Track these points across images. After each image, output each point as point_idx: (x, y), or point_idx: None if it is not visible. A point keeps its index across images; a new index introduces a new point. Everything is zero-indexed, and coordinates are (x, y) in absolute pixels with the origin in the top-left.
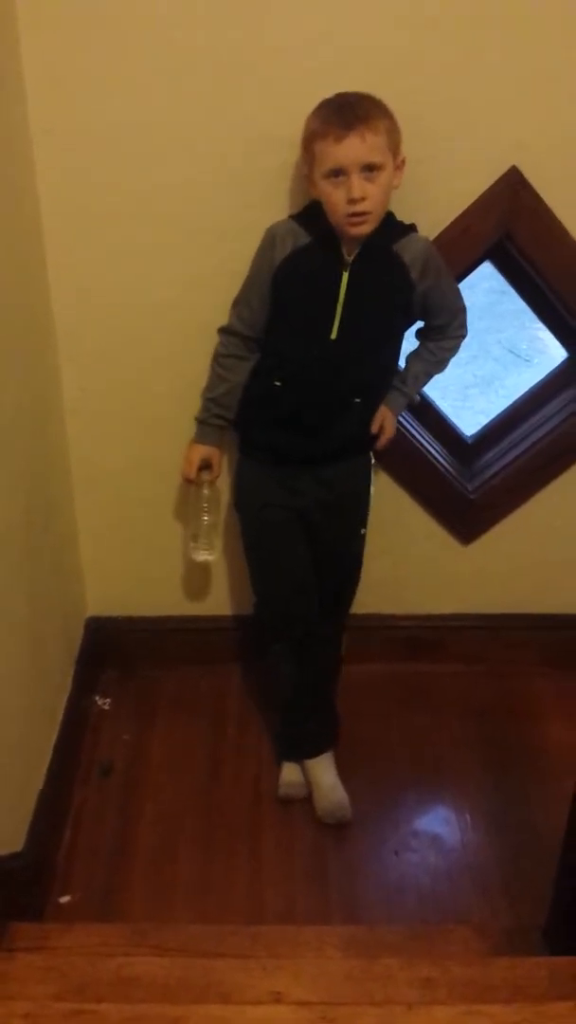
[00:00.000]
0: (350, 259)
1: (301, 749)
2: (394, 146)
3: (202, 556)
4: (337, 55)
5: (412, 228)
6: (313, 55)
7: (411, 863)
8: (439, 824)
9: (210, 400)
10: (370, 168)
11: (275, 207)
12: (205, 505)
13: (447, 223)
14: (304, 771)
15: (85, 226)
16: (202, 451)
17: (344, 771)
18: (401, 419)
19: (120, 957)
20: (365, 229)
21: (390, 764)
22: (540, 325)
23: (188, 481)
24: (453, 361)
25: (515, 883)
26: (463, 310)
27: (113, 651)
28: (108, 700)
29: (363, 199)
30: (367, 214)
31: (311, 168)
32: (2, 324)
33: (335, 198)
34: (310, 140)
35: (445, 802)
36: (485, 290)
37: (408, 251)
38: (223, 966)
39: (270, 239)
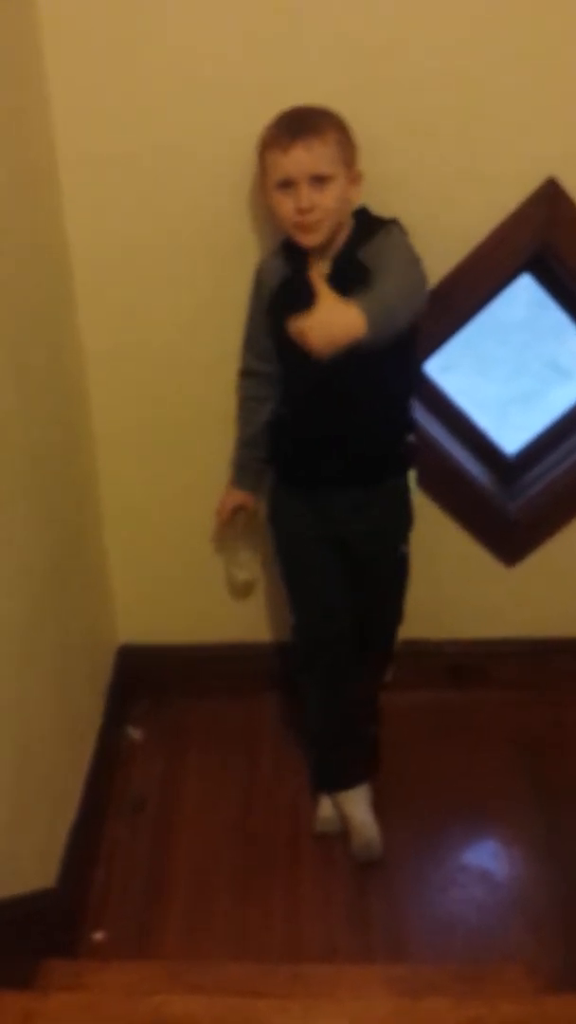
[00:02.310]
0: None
1: (333, 781)
2: (346, 158)
3: (242, 576)
4: (360, 74)
5: (378, 224)
6: (333, 77)
7: (458, 900)
8: (486, 859)
9: (242, 444)
10: (318, 178)
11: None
12: (244, 529)
13: (484, 236)
14: (338, 805)
15: (112, 256)
16: (237, 497)
17: (385, 804)
18: (438, 436)
19: (158, 996)
20: (315, 239)
21: (433, 796)
22: None
23: (222, 524)
24: (492, 376)
25: (568, 918)
26: (404, 277)
27: (144, 680)
28: (140, 731)
29: (311, 209)
30: (315, 224)
31: (263, 178)
32: (33, 356)
33: (284, 208)
34: (262, 150)
35: (492, 835)
36: (525, 302)
37: (369, 252)
38: (263, 1006)
39: (258, 278)
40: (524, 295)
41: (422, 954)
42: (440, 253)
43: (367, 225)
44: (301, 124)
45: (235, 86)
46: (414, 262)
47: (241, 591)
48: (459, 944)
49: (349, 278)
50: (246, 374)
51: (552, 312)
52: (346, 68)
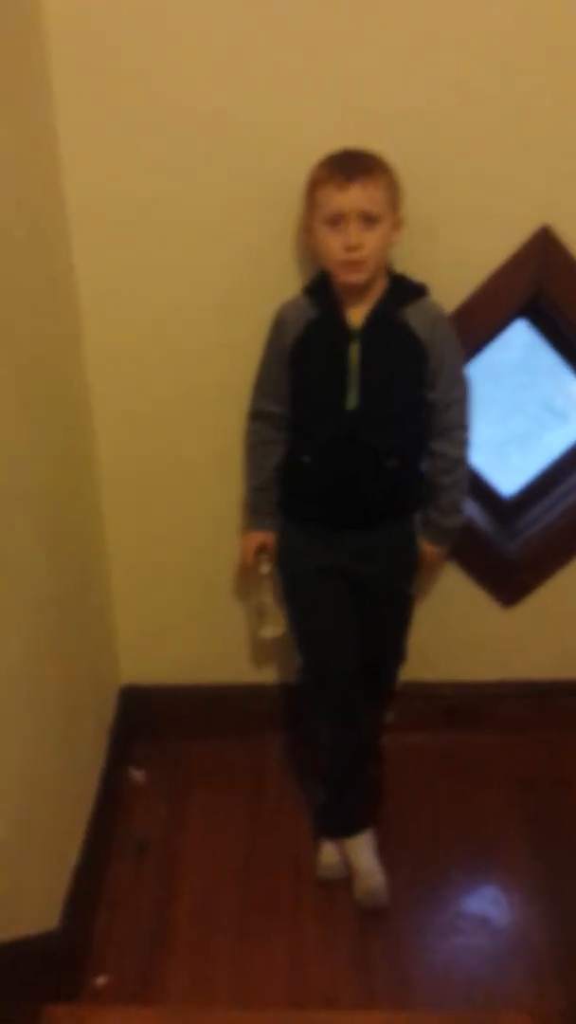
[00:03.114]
0: (357, 328)
1: (339, 828)
2: (394, 203)
3: (270, 632)
4: (362, 120)
5: (423, 290)
6: (335, 123)
7: (459, 946)
8: (487, 904)
9: (255, 489)
10: (369, 218)
11: (296, 274)
12: (267, 585)
13: (479, 283)
14: (342, 851)
15: (118, 298)
16: (258, 538)
17: (385, 848)
18: None
19: None
20: (359, 278)
21: (433, 840)
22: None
23: (247, 569)
24: (487, 418)
25: (568, 965)
26: (466, 394)
27: (148, 721)
28: (143, 771)
29: (359, 247)
30: (361, 263)
31: (311, 215)
32: (40, 392)
33: (332, 244)
34: (313, 187)
35: (493, 881)
36: (519, 346)
37: (416, 317)
38: None
39: (279, 322)
40: (519, 338)
41: (424, 1000)
42: (438, 298)
43: (403, 285)
44: (357, 164)
45: (244, 133)
46: (463, 366)
47: (268, 646)
48: (460, 990)
49: (390, 336)
50: (257, 417)
51: (546, 354)
52: (345, 116)
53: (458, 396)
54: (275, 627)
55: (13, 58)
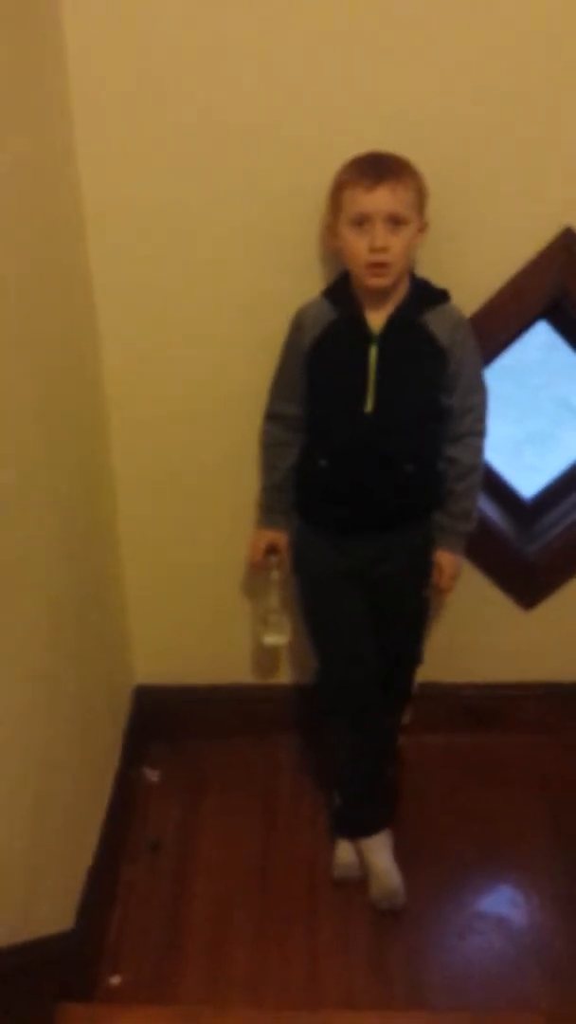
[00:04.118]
0: (377, 332)
1: (356, 828)
2: (419, 206)
3: (272, 640)
4: (380, 125)
5: (445, 296)
6: (354, 127)
7: (476, 947)
8: (505, 906)
9: (269, 488)
10: (395, 221)
11: (312, 276)
12: (275, 591)
13: (501, 284)
14: (359, 851)
15: (134, 303)
16: (268, 536)
17: (403, 849)
18: None
19: None
20: (384, 281)
21: (452, 841)
22: None
23: (255, 567)
24: (505, 417)
25: None
26: (483, 401)
27: (162, 721)
28: (157, 772)
29: (385, 249)
30: (387, 265)
31: (336, 217)
32: (57, 399)
33: (357, 246)
34: (339, 189)
35: (511, 882)
36: (535, 346)
37: (436, 322)
38: None
39: (298, 323)
40: (537, 338)
41: (440, 1001)
42: (459, 301)
43: (425, 290)
44: (386, 167)
45: (261, 138)
46: (482, 373)
47: (271, 654)
48: (477, 991)
49: (410, 340)
50: (273, 418)
51: (565, 353)
52: (366, 121)
53: (475, 403)
54: (279, 635)
55: (31, 63)
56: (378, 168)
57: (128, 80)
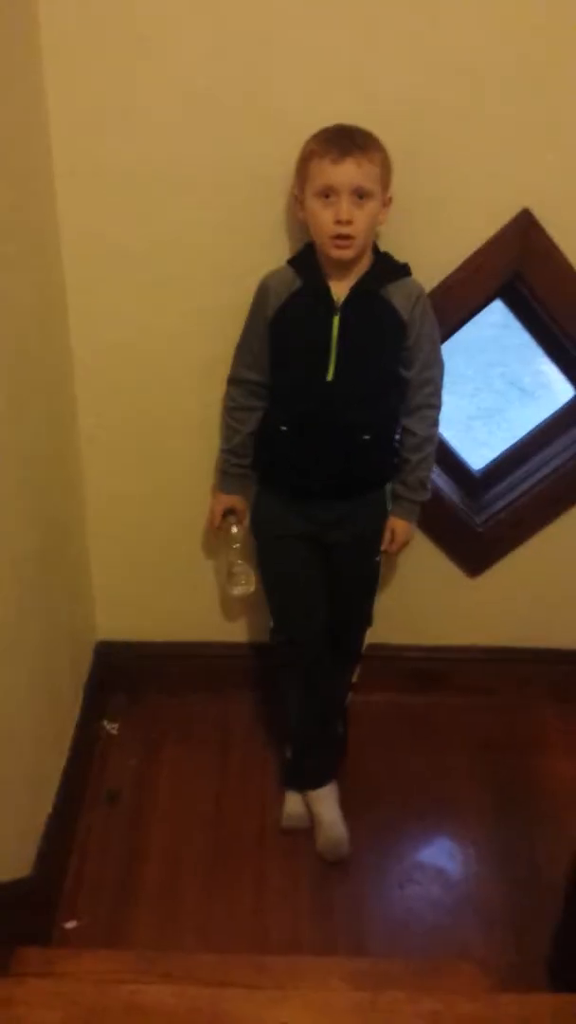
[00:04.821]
0: (340, 302)
1: (304, 780)
2: (385, 180)
3: (239, 590)
4: (350, 99)
5: (406, 270)
6: (325, 100)
7: (416, 897)
8: (444, 858)
9: (227, 451)
10: (360, 194)
11: (280, 245)
12: (236, 545)
13: (459, 262)
14: (307, 803)
15: (102, 263)
16: (225, 500)
17: (348, 803)
18: None
19: (130, 985)
20: (348, 253)
21: (395, 796)
22: (544, 359)
23: (216, 530)
24: (458, 393)
25: (520, 918)
26: (440, 375)
27: (122, 676)
28: (116, 725)
29: (350, 222)
30: (351, 238)
31: (301, 188)
32: (24, 356)
33: (322, 218)
34: (306, 160)
35: (450, 836)
36: (488, 324)
37: (398, 295)
38: (232, 995)
39: (264, 290)
40: (492, 316)
41: (380, 947)
42: (419, 276)
43: (387, 263)
44: (353, 140)
45: (233, 106)
46: (439, 347)
47: (239, 601)
48: (416, 939)
49: (372, 312)
50: (236, 382)
51: (515, 332)
52: (332, 96)
53: (432, 376)
54: (245, 585)
55: (1, 25)
56: (345, 141)
57: (102, 42)
